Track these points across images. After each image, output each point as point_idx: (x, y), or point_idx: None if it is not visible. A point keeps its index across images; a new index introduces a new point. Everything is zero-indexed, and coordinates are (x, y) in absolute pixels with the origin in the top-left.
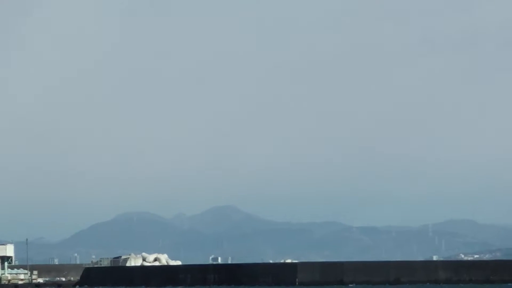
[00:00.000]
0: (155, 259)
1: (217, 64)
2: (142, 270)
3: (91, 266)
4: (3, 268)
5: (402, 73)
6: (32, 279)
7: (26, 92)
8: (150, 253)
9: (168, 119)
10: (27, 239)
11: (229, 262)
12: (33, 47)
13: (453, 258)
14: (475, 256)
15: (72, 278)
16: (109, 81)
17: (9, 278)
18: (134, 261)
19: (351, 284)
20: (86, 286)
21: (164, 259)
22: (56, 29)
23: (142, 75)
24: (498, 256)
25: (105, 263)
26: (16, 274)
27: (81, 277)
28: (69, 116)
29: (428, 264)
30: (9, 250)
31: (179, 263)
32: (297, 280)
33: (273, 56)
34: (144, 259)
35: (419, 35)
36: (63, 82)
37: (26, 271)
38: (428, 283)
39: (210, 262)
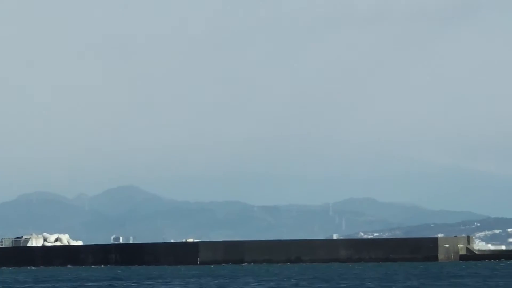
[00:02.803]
0: (56, 239)
1: (123, 41)
2: (43, 250)
3: None
4: None
5: (311, 52)
6: None
7: None
8: (51, 233)
9: (70, 97)
10: None
11: (131, 242)
12: None
13: (353, 237)
14: (375, 234)
15: None
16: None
17: None
18: (36, 241)
19: (252, 262)
20: None
21: (66, 239)
22: None
23: (47, 45)
24: (398, 234)
25: (7, 244)
26: None
27: None
28: None
29: (329, 243)
30: None
31: (80, 243)
32: (198, 259)
33: (179, 30)
34: (45, 239)
35: (333, 8)
36: None
37: None
38: (329, 262)
39: (112, 242)
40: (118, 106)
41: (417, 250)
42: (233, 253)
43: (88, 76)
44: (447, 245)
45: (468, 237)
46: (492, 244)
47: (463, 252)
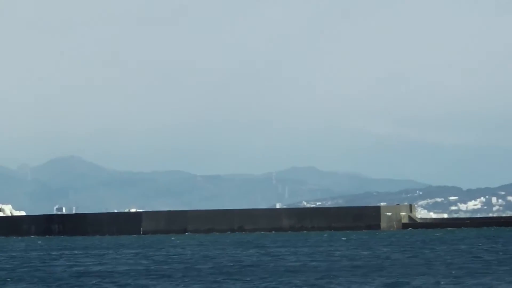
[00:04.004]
0: None
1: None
2: None
3: None
4: None
5: (248, 20)
6: None
7: None
8: None
9: (11, 68)
10: None
11: (74, 212)
12: None
13: (296, 206)
14: (318, 203)
15: None
16: None
17: None
18: None
19: (195, 232)
20: None
21: (8, 210)
22: None
23: None
24: (340, 203)
25: None
26: None
27: None
28: None
29: (271, 212)
30: None
31: (23, 213)
32: (141, 229)
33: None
34: None
35: None
36: None
37: None
38: (272, 231)
39: (55, 212)
40: (59, 76)
41: (359, 218)
42: (176, 222)
43: (27, 48)
44: (389, 214)
45: (410, 205)
46: (434, 212)
47: (405, 220)
